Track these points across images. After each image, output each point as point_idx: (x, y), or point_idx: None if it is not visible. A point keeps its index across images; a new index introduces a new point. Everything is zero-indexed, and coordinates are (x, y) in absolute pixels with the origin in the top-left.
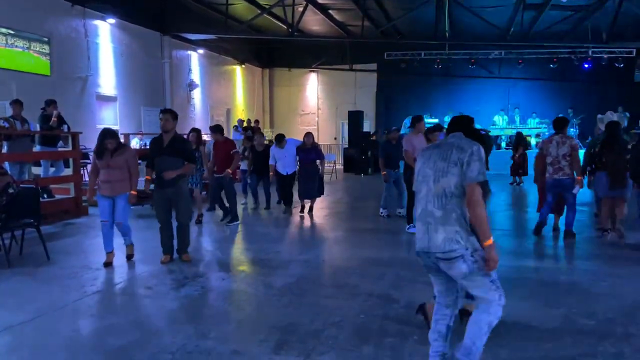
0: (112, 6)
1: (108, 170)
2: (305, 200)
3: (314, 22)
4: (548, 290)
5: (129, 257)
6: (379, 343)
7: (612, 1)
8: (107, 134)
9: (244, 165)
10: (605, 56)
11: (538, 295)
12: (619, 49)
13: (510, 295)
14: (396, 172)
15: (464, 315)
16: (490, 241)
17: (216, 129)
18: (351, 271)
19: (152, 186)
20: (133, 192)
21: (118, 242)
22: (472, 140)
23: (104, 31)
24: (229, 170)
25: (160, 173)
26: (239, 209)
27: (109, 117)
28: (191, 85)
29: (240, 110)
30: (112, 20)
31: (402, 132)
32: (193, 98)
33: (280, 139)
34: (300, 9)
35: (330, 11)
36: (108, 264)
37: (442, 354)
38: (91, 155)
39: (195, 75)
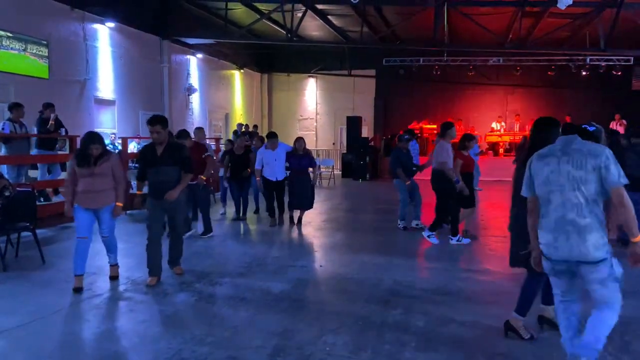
0: (112, 10)
1: (91, 179)
2: (294, 211)
3: (313, 27)
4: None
5: (114, 278)
6: (377, 350)
7: (610, 9)
8: (93, 139)
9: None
10: (603, 64)
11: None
12: (617, 57)
13: (506, 301)
14: (411, 180)
15: (544, 322)
16: (638, 238)
17: (181, 135)
18: (349, 277)
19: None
20: (119, 204)
21: (96, 264)
22: (595, 143)
23: (103, 35)
24: (202, 177)
25: (156, 184)
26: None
27: (107, 121)
28: (190, 90)
29: (239, 115)
30: (111, 24)
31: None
32: (191, 102)
33: (272, 136)
34: (299, 14)
35: (329, 17)
36: (78, 290)
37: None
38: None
39: (194, 80)
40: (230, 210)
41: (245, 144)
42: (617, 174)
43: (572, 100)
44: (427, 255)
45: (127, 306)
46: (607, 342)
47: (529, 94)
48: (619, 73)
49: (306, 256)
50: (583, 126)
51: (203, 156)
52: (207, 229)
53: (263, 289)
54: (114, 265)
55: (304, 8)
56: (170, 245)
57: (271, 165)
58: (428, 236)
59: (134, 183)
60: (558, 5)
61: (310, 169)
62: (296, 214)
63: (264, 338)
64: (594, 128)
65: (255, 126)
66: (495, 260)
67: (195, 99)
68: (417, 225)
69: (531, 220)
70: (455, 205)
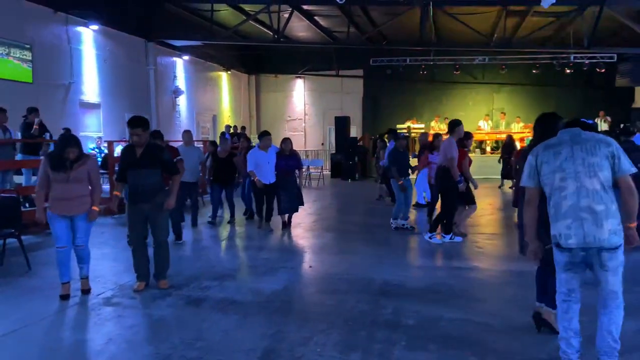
0: (96, 12)
1: (67, 184)
2: (285, 214)
3: (299, 28)
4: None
5: (86, 292)
6: (368, 350)
7: (592, 7)
8: (68, 141)
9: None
10: (587, 62)
11: (524, 299)
12: (600, 55)
13: (495, 298)
14: (407, 180)
15: (540, 323)
16: (634, 224)
17: (153, 136)
18: (339, 277)
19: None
20: (95, 209)
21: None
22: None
23: (87, 38)
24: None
25: (134, 187)
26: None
27: (93, 124)
28: (176, 92)
29: (227, 116)
30: (95, 27)
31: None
32: (178, 105)
33: (265, 135)
34: (286, 15)
35: (315, 17)
36: (65, 297)
37: (579, 352)
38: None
39: (181, 82)
40: (226, 212)
41: (232, 148)
42: (628, 163)
43: (556, 97)
44: (417, 254)
45: (114, 311)
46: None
47: (514, 92)
48: (603, 70)
49: (296, 257)
50: (582, 120)
51: (175, 160)
52: (178, 235)
53: (253, 291)
54: (85, 279)
55: (290, 9)
56: (154, 255)
57: (264, 167)
58: (429, 237)
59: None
60: (542, 4)
61: (297, 171)
62: (286, 217)
63: (254, 341)
64: (592, 121)
65: (244, 127)
66: (483, 257)
67: (182, 101)
68: (403, 225)
69: (530, 212)
70: (457, 203)
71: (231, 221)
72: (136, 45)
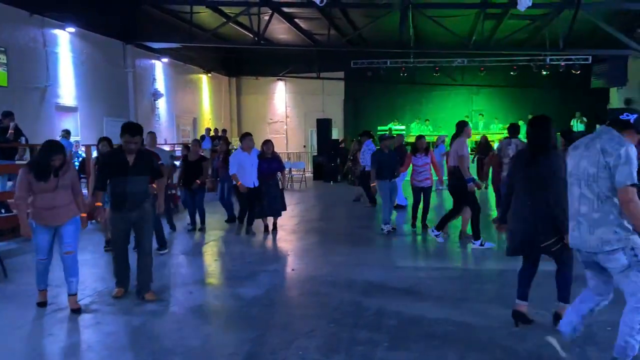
0: (72, 15)
1: (53, 193)
2: (267, 218)
3: (280, 30)
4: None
5: (76, 311)
6: (350, 351)
7: (567, 10)
8: (54, 149)
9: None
10: (563, 63)
11: (504, 297)
12: (576, 56)
13: (474, 298)
14: (392, 182)
15: (556, 319)
16: None
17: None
18: (322, 280)
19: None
20: (84, 215)
21: (61, 276)
22: (621, 139)
23: (64, 40)
24: (154, 186)
25: (122, 195)
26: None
27: (69, 128)
28: (156, 95)
29: (208, 119)
30: (72, 29)
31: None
32: (158, 108)
33: (248, 135)
34: (266, 17)
35: (296, 20)
36: (43, 304)
37: (574, 327)
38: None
39: (160, 85)
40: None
41: (212, 151)
42: (624, 175)
43: (533, 98)
44: (399, 255)
45: (93, 318)
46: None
47: (493, 94)
48: (578, 72)
49: (278, 260)
50: (621, 117)
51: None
52: (162, 244)
53: (234, 295)
54: (74, 295)
55: (270, 11)
56: (138, 266)
57: (248, 170)
58: (436, 235)
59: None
60: (518, 7)
61: (279, 173)
62: (269, 221)
63: (236, 345)
64: (635, 116)
65: (224, 130)
66: (464, 257)
67: (161, 104)
68: (382, 229)
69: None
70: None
71: (202, 228)
72: (114, 48)
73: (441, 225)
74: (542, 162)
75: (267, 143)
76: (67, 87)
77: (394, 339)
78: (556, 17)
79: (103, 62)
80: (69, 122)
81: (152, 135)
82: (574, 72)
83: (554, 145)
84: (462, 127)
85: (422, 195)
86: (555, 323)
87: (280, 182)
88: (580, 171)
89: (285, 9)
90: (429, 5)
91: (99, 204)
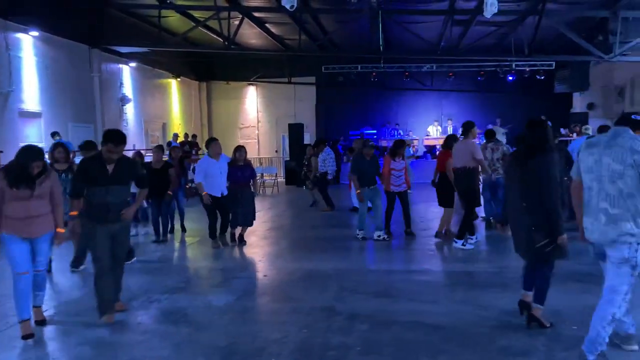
0: (36, 18)
1: (29, 202)
2: (236, 228)
3: (251, 35)
4: (481, 292)
5: (41, 323)
6: (322, 357)
7: (532, 17)
8: (33, 154)
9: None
10: (528, 69)
11: (473, 299)
12: (540, 62)
13: (445, 299)
14: (372, 188)
15: (530, 320)
16: None
17: (88, 146)
18: (294, 285)
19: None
20: (61, 230)
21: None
22: None
23: (27, 44)
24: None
25: (102, 205)
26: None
27: (33, 134)
28: (123, 100)
29: (177, 124)
30: (35, 33)
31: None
32: (126, 113)
33: (214, 141)
34: (237, 22)
35: (267, 25)
36: (29, 337)
37: (633, 325)
38: None
39: (128, 89)
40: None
41: (183, 157)
42: None
43: (500, 103)
44: (370, 260)
45: (59, 330)
46: (539, 332)
47: (461, 98)
48: (542, 77)
49: (250, 266)
50: (633, 117)
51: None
52: (78, 258)
53: (205, 302)
54: (40, 307)
55: (240, 16)
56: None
57: (216, 178)
58: (462, 244)
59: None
60: (484, 14)
61: (252, 180)
62: (237, 231)
63: (206, 354)
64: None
65: (195, 135)
66: (434, 260)
67: (129, 110)
68: (379, 236)
69: (575, 200)
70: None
71: (164, 239)
72: (80, 52)
73: (462, 234)
74: (538, 163)
75: (240, 150)
76: (30, 92)
77: (366, 343)
78: (521, 24)
79: (68, 67)
80: (33, 128)
81: (90, 143)
82: (538, 77)
83: (551, 147)
84: (469, 128)
85: (397, 199)
86: (529, 324)
87: (253, 190)
88: (602, 168)
89: (256, 14)
90: (398, 11)
91: (75, 212)
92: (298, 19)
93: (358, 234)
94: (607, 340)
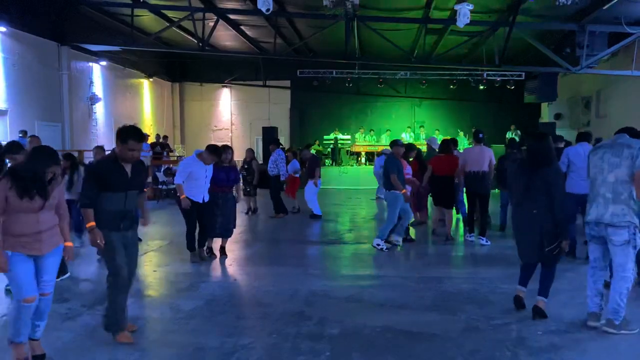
0: (3, 13)
1: (40, 214)
2: (213, 238)
3: (225, 37)
4: (446, 297)
5: (40, 357)
6: None
7: (503, 29)
8: (51, 158)
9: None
10: (499, 79)
11: (442, 304)
12: (511, 72)
13: (414, 304)
14: (394, 192)
15: (536, 313)
16: None
17: (12, 148)
18: (264, 290)
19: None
20: (69, 244)
21: None
22: (636, 140)
23: None
24: None
25: (120, 214)
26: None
27: None
28: (93, 99)
29: (149, 125)
30: (3, 29)
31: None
32: (95, 112)
33: (214, 150)
34: (211, 23)
35: (242, 27)
36: None
37: (600, 306)
38: None
39: (98, 88)
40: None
41: (154, 159)
42: None
43: (472, 111)
44: (342, 264)
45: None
46: (505, 337)
47: (434, 106)
48: (513, 87)
49: (219, 271)
50: (631, 128)
51: None
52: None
53: (172, 307)
54: (38, 340)
55: (215, 17)
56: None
57: (200, 182)
58: (485, 241)
59: None
60: (457, 23)
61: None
62: (216, 242)
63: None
64: None
65: (166, 137)
66: (405, 265)
67: (99, 109)
68: (397, 241)
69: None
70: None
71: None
72: (48, 49)
73: (484, 231)
74: (547, 173)
75: (227, 149)
76: None
77: (335, 349)
78: (492, 35)
79: (36, 64)
80: None
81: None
82: (508, 87)
83: (555, 158)
84: (481, 135)
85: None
86: (535, 316)
87: (236, 196)
88: (604, 162)
89: (231, 16)
90: (373, 18)
91: (93, 224)
92: (274, 22)
93: (397, 240)
94: (624, 309)
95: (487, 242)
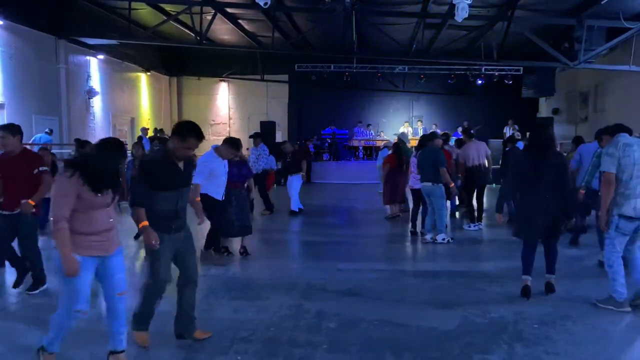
0: (1, 7)
1: (108, 210)
2: (228, 238)
3: (223, 31)
4: (442, 292)
5: None
6: (289, 355)
7: (501, 23)
8: (122, 151)
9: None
10: (497, 73)
11: (439, 298)
12: (509, 67)
13: (411, 298)
14: (436, 185)
15: (548, 289)
16: None
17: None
18: (262, 283)
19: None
20: (31, 202)
21: None
22: None
23: None
24: (31, 202)
25: (173, 213)
26: None
27: None
28: (90, 93)
29: (146, 119)
30: (0, 22)
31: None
32: (92, 106)
33: (233, 143)
34: (209, 17)
35: (240, 21)
36: None
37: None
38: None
39: (95, 82)
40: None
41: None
42: None
43: (469, 106)
44: (340, 257)
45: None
46: (501, 330)
47: (432, 101)
48: (510, 82)
49: (217, 264)
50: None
51: (35, 171)
52: (38, 279)
53: (169, 301)
54: (124, 352)
55: (213, 11)
56: (187, 298)
57: (221, 178)
58: (478, 227)
59: None
60: (455, 18)
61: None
62: (237, 242)
63: (171, 353)
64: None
65: (162, 130)
66: (402, 259)
67: (96, 103)
68: (444, 239)
69: (610, 191)
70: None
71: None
72: (46, 43)
73: (480, 217)
74: (555, 158)
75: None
76: None
77: (333, 342)
78: (490, 30)
79: (33, 57)
80: None
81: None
82: (506, 82)
83: (555, 144)
84: (474, 132)
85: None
86: (548, 292)
87: (249, 193)
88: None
89: (229, 10)
90: (371, 12)
91: (145, 223)
92: (272, 16)
93: (444, 239)
94: None
95: (477, 227)
